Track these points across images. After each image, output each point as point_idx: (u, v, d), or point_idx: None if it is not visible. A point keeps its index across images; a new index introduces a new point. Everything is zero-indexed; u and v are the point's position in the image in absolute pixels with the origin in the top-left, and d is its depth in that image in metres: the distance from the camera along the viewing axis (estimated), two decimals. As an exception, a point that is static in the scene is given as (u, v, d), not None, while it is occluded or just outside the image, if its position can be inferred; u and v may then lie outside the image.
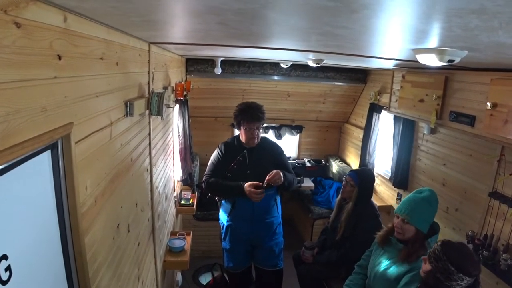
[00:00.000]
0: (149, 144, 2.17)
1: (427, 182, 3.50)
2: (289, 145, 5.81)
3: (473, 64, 2.21)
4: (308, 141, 5.81)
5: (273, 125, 5.46)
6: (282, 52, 2.52)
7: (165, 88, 2.70)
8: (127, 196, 1.65)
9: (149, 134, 2.16)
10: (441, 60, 1.42)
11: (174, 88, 3.05)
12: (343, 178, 3.34)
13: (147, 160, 2.13)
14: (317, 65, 3.13)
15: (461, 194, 3.01)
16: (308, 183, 5.08)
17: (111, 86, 1.42)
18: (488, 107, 2.17)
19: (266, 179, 2.87)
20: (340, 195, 3.36)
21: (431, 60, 1.47)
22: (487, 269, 2.52)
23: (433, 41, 1.26)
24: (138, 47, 1.85)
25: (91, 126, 1.22)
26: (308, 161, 5.53)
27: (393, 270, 2.47)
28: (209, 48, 2.64)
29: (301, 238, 5.05)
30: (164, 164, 2.84)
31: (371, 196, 3.29)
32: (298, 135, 5.64)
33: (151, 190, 2.24)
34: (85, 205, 1.15)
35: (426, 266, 2.06)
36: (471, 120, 2.46)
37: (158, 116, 1.98)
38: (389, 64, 3.31)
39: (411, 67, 3.24)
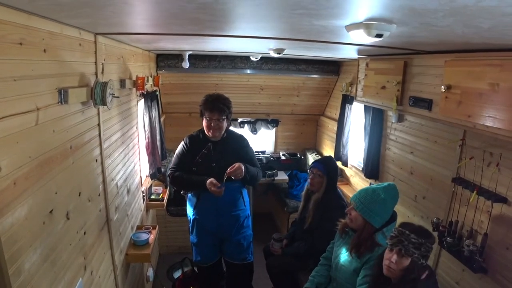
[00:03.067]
0: (99, 135, 2.17)
1: (396, 171, 3.53)
2: (266, 139, 5.83)
3: (427, 46, 2.23)
4: (285, 135, 5.84)
5: (248, 119, 5.47)
6: (244, 41, 2.54)
7: (122, 80, 2.72)
8: (64, 183, 1.65)
9: (99, 124, 2.16)
10: (369, 34, 1.43)
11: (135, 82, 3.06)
12: (308, 170, 3.35)
13: (97, 151, 2.13)
14: (279, 55, 3.14)
15: (427, 182, 3.03)
16: (282, 176, 5.10)
17: (36, 72, 1.42)
18: (443, 90, 2.19)
19: (226, 172, 2.88)
20: (306, 187, 3.37)
21: (360, 36, 1.49)
22: (451, 256, 2.54)
23: (360, 14, 1.29)
24: (77, 37, 1.86)
25: (7, 109, 1.22)
26: (283, 154, 5.55)
27: (353, 261, 2.50)
28: (167, 39, 2.66)
29: (279, 232, 5.07)
30: (125, 157, 2.83)
31: (336, 182, 3.32)
32: (274, 129, 5.66)
33: (104, 182, 2.24)
34: (0, 186, 1.16)
35: (402, 263, 2.01)
36: (428, 104, 2.47)
37: (104, 106, 1.98)
38: (353, 53, 3.35)
39: (373, 54, 3.27)
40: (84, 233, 1.88)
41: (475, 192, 2.34)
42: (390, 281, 2.07)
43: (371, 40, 1.43)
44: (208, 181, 2.90)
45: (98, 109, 2.14)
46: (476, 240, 2.38)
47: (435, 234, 2.67)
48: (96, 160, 2.13)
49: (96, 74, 2.12)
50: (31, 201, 1.36)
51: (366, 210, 2.43)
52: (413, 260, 1.96)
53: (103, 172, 2.23)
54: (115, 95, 2.10)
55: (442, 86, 2.19)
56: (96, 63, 2.13)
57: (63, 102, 1.63)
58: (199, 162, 3.04)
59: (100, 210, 2.17)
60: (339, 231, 2.71)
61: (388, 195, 2.45)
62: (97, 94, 1.94)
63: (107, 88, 1.97)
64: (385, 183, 2.53)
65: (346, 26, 1.50)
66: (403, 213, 3.33)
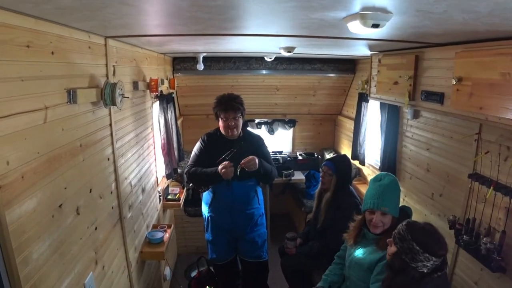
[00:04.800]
0: (111, 134, 2.23)
1: (413, 168, 3.46)
2: (284, 140, 5.83)
3: (435, 38, 2.20)
4: (303, 135, 5.82)
5: (265, 120, 5.48)
6: (249, 39, 2.57)
7: (135, 82, 2.79)
8: (74, 180, 1.71)
9: (110, 124, 2.23)
10: (365, 25, 1.42)
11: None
12: (320, 169, 3.34)
13: (109, 150, 2.20)
14: (290, 53, 3.15)
15: (444, 179, 2.95)
16: (299, 176, 5.09)
17: (44, 73, 1.49)
18: (454, 82, 2.15)
19: (240, 163, 2.92)
20: (319, 186, 3.37)
21: (357, 28, 1.48)
22: (469, 255, 2.47)
23: (353, 5, 1.29)
24: (86, 40, 1.93)
25: (14, 107, 1.28)
26: (300, 154, 5.54)
27: (366, 259, 2.47)
28: (177, 41, 2.71)
29: (297, 232, 5.06)
30: (139, 157, 2.90)
31: (350, 182, 3.29)
32: (291, 129, 5.65)
33: (116, 180, 2.30)
34: (7, 178, 1.22)
35: (391, 249, 2.03)
36: (440, 97, 2.42)
37: (114, 106, 2.04)
38: (365, 50, 3.32)
39: (385, 50, 3.24)
40: (96, 228, 1.94)
41: (491, 188, 2.27)
42: (402, 285, 2.01)
43: (368, 31, 1.42)
44: (220, 166, 2.94)
45: (110, 109, 2.20)
46: (494, 238, 2.30)
47: (451, 232, 2.62)
48: (108, 159, 2.19)
49: (107, 75, 2.19)
50: (40, 195, 1.42)
51: (393, 206, 2.43)
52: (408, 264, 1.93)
53: (115, 170, 2.29)
54: (125, 96, 2.15)
55: (453, 79, 2.14)
56: (107, 65, 2.20)
57: (71, 102, 1.69)
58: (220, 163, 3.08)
59: (112, 208, 2.23)
60: (350, 242, 2.66)
61: (396, 183, 2.50)
62: (107, 95, 2.00)
63: (116, 88, 2.02)
64: (384, 176, 2.54)
65: (343, 18, 1.50)
66: (420, 211, 3.27)
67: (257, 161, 2.98)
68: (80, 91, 1.74)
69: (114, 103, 2.03)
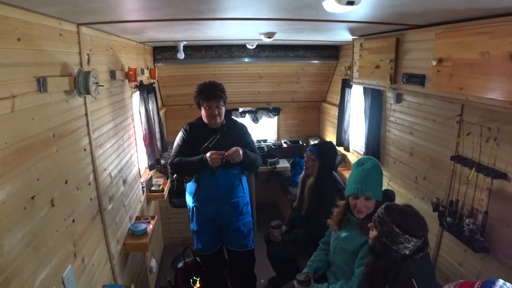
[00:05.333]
0: (87, 124, 2.17)
1: (397, 153, 3.47)
2: (269, 128, 5.80)
3: (416, 19, 2.17)
4: (287, 123, 5.80)
5: (249, 109, 5.44)
6: (227, 24, 2.52)
7: (112, 71, 2.71)
8: (47, 171, 1.66)
9: (86, 114, 2.16)
10: (339, 2, 1.37)
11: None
12: (304, 154, 3.34)
13: (85, 140, 2.14)
14: (270, 39, 3.10)
15: (427, 162, 2.97)
16: (284, 164, 5.07)
17: (11, 60, 1.43)
18: (434, 63, 2.13)
19: (224, 155, 2.88)
20: (303, 172, 3.36)
21: (332, 6, 1.44)
22: (453, 237, 2.49)
23: None
24: (56, 27, 1.86)
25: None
26: (285, 142, 5.52)
27: (351, 243, 2.48)
28: (153, 28, 2.64)
29: (283, 220, 5.06)
30: (119, 148, 2.84)
31: (333, 169, 3.28)
32: (276, 117, 5.62)
33: (94, 171, 2.24)
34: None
35: (372, 233, 2.03)
36: (421, 79, 2.41)
37: (88, 95, 1.98)
38: (347, 35, 3.29)
39: (366, 34, 3.21)
40: (73, 220, 1.89)
41: (473, 169, 2.28)
42: (384, 268, 2.01)
43: (344, 9, 1.38)
44: (208, 153, 2.90)
45: (84, 98, 2.13)
46: (477, 219, 2.31)
47: (435, 214, 2.64)
48: (85, 150, 2.13)
49: (81, 64, 2.12)
50: (9, 187, 1.36)
51: (377, 190, 2.43)
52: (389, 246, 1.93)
53: (93, 161, 2.23)
54: (99, 84, 2.09)
55: (433, 60, 2.13)
56: (80, 53, 2.13)
57: (42, 91, 1.62)
58: (203, 152, 3.03)
59: (91, 199, 2.18)
60: (334, 228, 2.66)
61: (379, 167, 2.50)
62: (80, 83, 1.94)
63: (90, 77, 1.96)
64: (366, 160, 2.54)
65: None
66: (405, 195, 3.28)
67: (241, 152, 2.94)
68: (51, 79, 1.68)
69: (88, 92, 1.96)
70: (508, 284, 1.30)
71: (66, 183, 1.84)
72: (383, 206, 2.03)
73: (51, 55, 1.78)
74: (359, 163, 2.52)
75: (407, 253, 1.90)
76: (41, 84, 1.62)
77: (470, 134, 2.40)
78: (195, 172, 3.13)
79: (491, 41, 1.74)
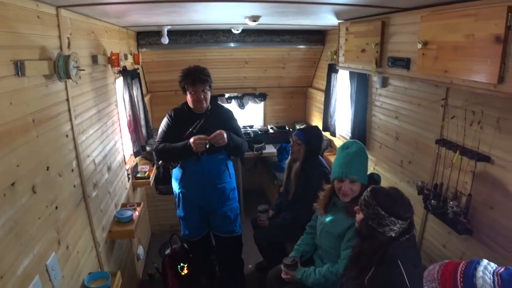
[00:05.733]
0: (69, 110, 2.12)
1: (382, 137, 3.49)
2: (255, 114, 5.78)
3: (402, 1, 2.16)
4: (274, 109, 5.78)
5: (235, 94, 5.40)
6: (210, 7, 2.47)
7: (94, 56, 2.65)
8: (27, 157, 1.61)
9: (67, 99, 2.11)
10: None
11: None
12: (290, 139, 3.33)
13: (67, 126, 2.09)
14: (255, 23, 3.06)
15: (413, 146, 2.99)
16: (270, 149, 5.07)
17: (-16, 42, 1.37)
18: (419, 47, 2.12)
19: (208, 138, 2.86)
20: (289, 156, 3.36)
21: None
22: (437, 219, 2.52)
23: None
24: (34, 9, 1.79)
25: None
26: (271, 127, 5.51)
27: (337, 227, 2.50)
28: (135, 11, 2.58)
29: (270, 205, 5.09)
30: (102, 134, 2.79)
31: (319, 153, 3.28)
32: (262, 103, 5.59)
33: (77, 158, 2.20)
34: None
35: (359, 216, 2.04)
36: (406, 63, 2.39)
37: (69, 79, 1.93)
38: (332, 19, 3.27)
39: (352, 18, 3.19)
40: (56, 207, 1.85)
41: (458, 152, 2.30)
42: (371, 251, 2.02)
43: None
44: (192, 139, 2.89)
45: (65, 83, 2.08)
46: (461, 202, 2.34)
47: (420, 197, 2.67)
48: (67, 136, 2.09)
49: (60, 48, 2.06)
50: (-12, 173, 1.32)
51: (362, 174, 2.45)
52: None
53: (75, 148, 2.18)
54: (80, 68, 2.03)
55: (419, 43, 2.12)
56: (60, 37, 2.06)
57: (20, 74, 1.57)
58: (187, 138, 3.01)
59: (74, 186, 2.14)
60: (320, 212, 2.67)
61: (364, 150, 2.52)
62: (60, 67, 1.89)
63: (70, 60, 1.91)
64: (351, 143, 2.57)
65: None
66: (390, 179, 3.31)
67: (225, 135, 2.92)
68: (29, 63, 1.62)
69: (69, 76, 1.91)
70: (492, 264, 1.32)
71: (47, 169, 1.80)
72: (369, 189, 2.04)
73: (28, 38, 1.72)
74: (344, 146, 2.53)
75: (393, 235, 1.92)
76: (19, 67, 1.57)
77: (455, 118, 2.42)
78: (180, 158, 3.11)
79: (475, 23, 1.73)
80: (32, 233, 1.60)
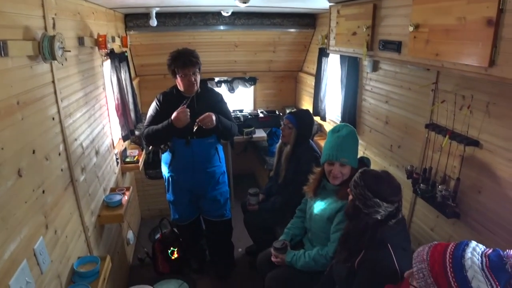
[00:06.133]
0: (55, 92, 2.07)
1: (372, 121, 3.50)
2: (245, 98, 5.74)
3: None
4: (264, 93, 5.76)
5: (225, 78, 5.35)
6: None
7: (81, 38, 2.59)
8: (12, 140, 1.57)
9: (53, 82, 2.06)
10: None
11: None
12: (281, 122, 3.32)
13: (53, 109, 2.04)
14: (245, 4, 3.01)
15: (402, 130, 3.00)
16: (260, 133, 5.06)
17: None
18: (411, 29, 2.11)
19: (196, 120, 2.84)
20: (280, 140, 3.36)
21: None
22: (425, 203, 2.56)
23: None
24: (17, -14, 1.73)
25: None
26: (261, 112, 5.48)
27: (326, 210, 2.51)
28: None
29: (260, 189, 5.10)
30: (90, 117, 2.74)
31: (310, 137, 3.28)
32: (252, 87, 5.56)
33: (64, 141, 2.16)
34: None
35: (349, 197, 2.06)
36: (397, 46, 2.38)
37: (54, 61, 1.88)
38: (324, 1, 3.23)
39: (344, 1, 3.15)
40: (43, 191, 1.82)
41: (447, 136, 2.31)
42: (357, 232, 2.03)
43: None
44: (174, 113, 2.87)
45: (51, 65, 2.03)
46: (449, 186, 2.37)
47: (409, 181, 2.69)
48: (53, 119, 2.04)
49: (45, 28, 1.99)
50: (-28, 155, 1.29)
51: (352, 157, 2.46)
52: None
53: (62, 131, 2.14)
54: (66, 49, 1.98)
55: (410, 26, 2.10)
56: (44, 17, 2.00)
57: (3, 55, 1.52)
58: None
59: (62, 170, 2.10)
60: (310, 195, 2.68)
61: (354, 134, 2.54)
62: (45, 48, 1.83)
63: (55, 41, 1.85)
64: (342, 127, 2.58)
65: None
66: (380, 163, 3.33)
67: (214, 117, 2.90)
68: (12, 43, 1.57)
69: (54, 58, 1.86)
70: (480, 245, 1.34)
71: (33, 153, 1.76)
72: (360, 170, 2.05)
73: (10, 17, 1.65)
74: (335, 130, 2.53)
75: (379, 218, 1.93)
76: (1, 47, 1.51)
77: (445, 102, 2.42)
78: (165, 138, 3.09)
79: (467, 6, 1.72)
80: (19, 217, 1.57)
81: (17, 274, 1.48)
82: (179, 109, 2.87)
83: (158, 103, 3.11)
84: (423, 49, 2.06)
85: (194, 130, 2.87)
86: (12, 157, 1.57)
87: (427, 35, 2.01)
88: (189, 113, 2.87)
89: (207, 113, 2.89)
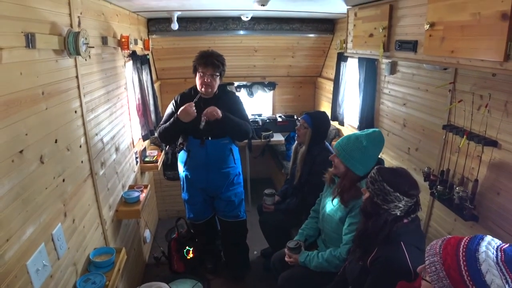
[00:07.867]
0: (78, 87, 2.16)
1: (390, 125, 3.48)
2: (264, 103, 5.79)
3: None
4: (283, 98, 5.79)
5: (245, 83, 5.42)
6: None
7: (104, 37, 2.68)
8: (36, 127, 1.65)
9: (77, 77, 2.15)
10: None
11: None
12: (297, 122, 3.33)
13: (75, 102, 2.12)
14: (263, 7, 3.06)
15: (420, 133, 2.98)
16: (278, 137, 5.08)
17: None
18: (426, 28, 2.11)
19: (202, 114, 2.89)
20: (296, 140, 3.36)
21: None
22: (444, 206, 2.51)
23: None
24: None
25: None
26: (279, 116, 5.51)
27: (337, 210, 2.50)
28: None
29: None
30: (111, 115, 2.83)
31: (325, 138, 3.28)
32: (271, 92, 5.60)
33: (85, 135, 2.24)
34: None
35: (365, 195, 2.04)
36: (413, 45, 2.38)
37: (78, 56, 1.96)
38: (342, 5, 3.26)
39: (361, 3, 3.18)
40: (63, 180, 1.90)
41: (464, 137, 2.29)
42: (375, 229, 2.01)
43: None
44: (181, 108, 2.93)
45: (75, 60, 2.12)
46: (467, 187, 2.33)
47: (426, 184, 2.65)
48: (76, 112, 2.12)
49: (71, 25, 2.09)
50: (-6, 136, 1.36)
51: (348, 157, 2.42)
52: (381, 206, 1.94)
53: (84, 124, 2.22)
54: (90, 46, 2.07)
55: (426, 24, 2.11)
56: (70, 15, 2.09)
57: (30, 47, 1.60)
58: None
59: (82, 162, 2.18)
60: (327, 181, 2.71)
61: (370, 143, 2.42)
62: (70, 43, 1.92)
63: (80, 37, 1.94)
64: (370, 130, 2.51)
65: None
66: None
67: (219, 111, 2.94)
68: (40, 36, 1.65)
69: (78, 53, 1.95)
70: (496, 240, 1.30)
71: (56, 142, 1.84)
72: (376, 167, 2.04)
73: (39, 12, 1.75)
74: (362, 133, 2.50)
75: (398, 213, 1.91)
76: (30, 39, 1.60)
77: (462, 102, 2.40)
78: (175, 135, 3.15)
79: (482, 1, 1.72)
80: (39, 201, 1.64)
81: (34, 255, 1.55)
82: (189, 104, 2.93)
83: (174, 104, 3.18)
84: (438, 47, 2.05)
85: (201, 126, 2.91)
86: (36, 143, 1.64)
87: (442, 33, 2.01)
88: (194, 108, 2.92)
89: (212, 107, 2.94)
